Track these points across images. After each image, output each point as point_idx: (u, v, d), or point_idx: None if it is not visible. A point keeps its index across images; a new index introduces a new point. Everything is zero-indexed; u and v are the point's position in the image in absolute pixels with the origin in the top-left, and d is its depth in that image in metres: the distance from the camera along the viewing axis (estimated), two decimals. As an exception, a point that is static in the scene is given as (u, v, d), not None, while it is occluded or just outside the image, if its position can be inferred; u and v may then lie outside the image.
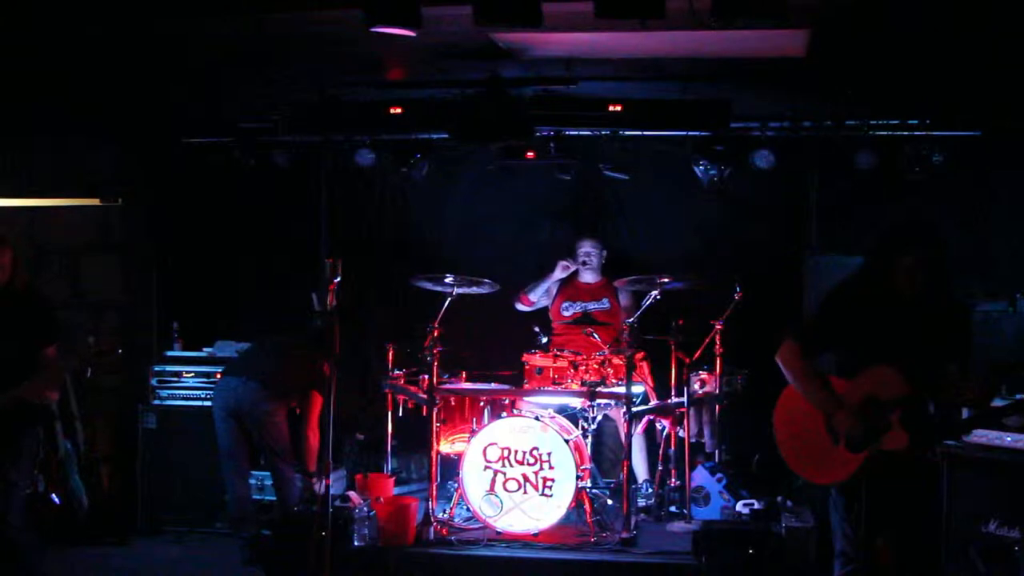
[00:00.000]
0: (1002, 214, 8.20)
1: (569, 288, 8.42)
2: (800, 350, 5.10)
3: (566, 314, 8.28)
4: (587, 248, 8.34)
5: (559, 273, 8.35)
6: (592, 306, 8.20)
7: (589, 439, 7.40)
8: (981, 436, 6.07)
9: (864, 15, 6.18)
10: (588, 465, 7.23)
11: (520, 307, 8.41)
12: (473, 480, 7.18)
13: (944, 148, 8.22)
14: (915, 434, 4.90)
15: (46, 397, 6.02)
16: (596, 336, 7.73)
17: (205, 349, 8.42)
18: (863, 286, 5.11)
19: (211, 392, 8.28)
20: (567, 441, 7.09)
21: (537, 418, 7.21)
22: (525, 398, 7.58)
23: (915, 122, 8.34)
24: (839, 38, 6.61)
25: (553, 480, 7.06)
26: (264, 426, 7.52)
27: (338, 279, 5.39)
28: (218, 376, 8.05)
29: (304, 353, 7.42)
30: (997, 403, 5.42)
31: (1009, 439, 6.00)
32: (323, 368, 6.34)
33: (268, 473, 7.91)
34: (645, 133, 8.55)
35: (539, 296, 8.42)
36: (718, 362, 7.79)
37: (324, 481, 5.67)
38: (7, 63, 7.11)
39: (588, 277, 8.38)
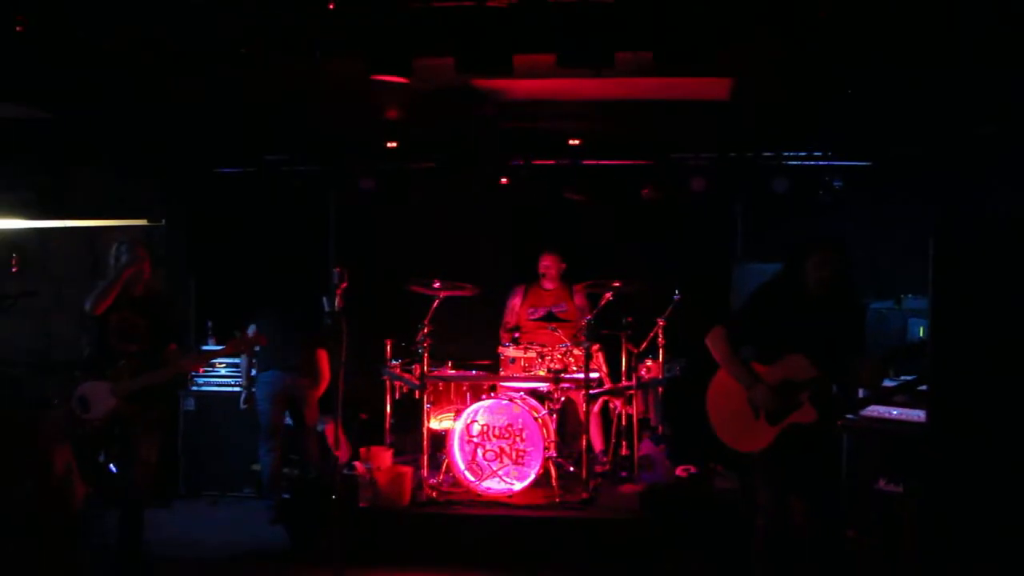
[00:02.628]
0: (889, 229, 8.27)
1: (532, 295, 8.41)
2: (725, 333, 5.15)
3: (533, 316, 8.28)
4: (547, 262, 8.32)
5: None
6: (554, 308, 8.20)
7: (554, 417, 7.40)
8: (874, 411, 6.13)
9: (776, 68, 6.25)
10: (553, 439, 7.23)
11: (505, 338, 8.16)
12: (458, 452, 7.18)
13: (843, 175, 8.32)
14: (822, 410, 4.96)
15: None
16: (559, 332, 7.76)
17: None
18: (780, 287, 5.17)
19: (239, 379, 8.30)
20: (536, 419, 7.10)
21: (511, 400, 7.21)
22: (501, 383, 7.59)
23: (819, 153, 8.42)
24: (756, 85, 6.67)
25: (525, 451, 7.07)
26: (309, 406, 7.69)
27: (344, 284, 5.38)
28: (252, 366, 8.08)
29: (319, 345, 7.63)
30: (888, 384, 5.47)
31: (895, 412, 6.07)
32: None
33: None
34: (600, 163, 8.59)
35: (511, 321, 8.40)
36: (661, 352, 7.80)
37: (336, 454, 5.67)
38: (76, 110, 7.16)
39: (549, 284, 8.37)
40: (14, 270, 7.96)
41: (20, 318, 7.67)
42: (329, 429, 7.86)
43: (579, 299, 8.25)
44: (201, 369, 8.36)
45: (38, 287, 7.44)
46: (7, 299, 7.70)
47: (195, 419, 8.55)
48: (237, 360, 8.36)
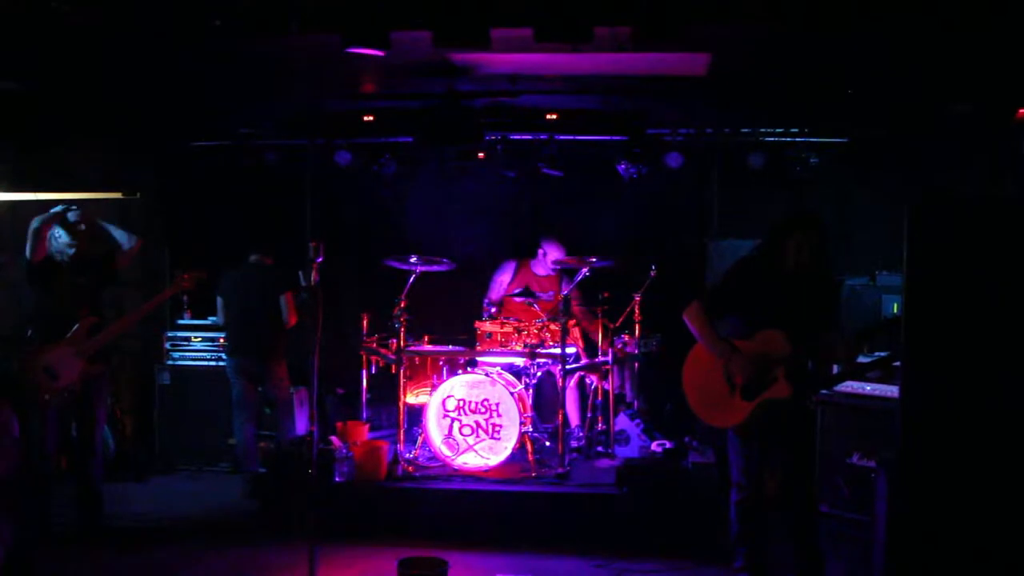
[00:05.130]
0: (864, 206, 8.29)
1: (522, 275, 8.38)
2: (702, 308, 5.16)
3: (515, 294, 8.24)
4: (552, 251, 8.23)
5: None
6: (540, 293, 8.08)
7: (531, 392, 7.40)
8: (848, 387, 6.15)
9: (753, 44, 6.23)
10: (530, 413, 7.23)
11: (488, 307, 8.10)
12: (434, 426, 7.16)
13: (819, 152, 8.32)
14: (797, 386, 4.97)
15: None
16: (536, 307, 7.74)
17: (210, 318, 8.33)
18: (757, 263, 5.17)
19: (215, 353, 8.32)
20: (512, 393, 7.09)
21: (487, 374, 7.20)
22: (478, 358, 7.57)
23: (795, 130, 8.42)
24: (734, 61, 6.64)
25: (501, 426, 7.06)
26: (274, 382, 7.75)
27: (320, 259, 5.34)
28: (222, 341, 8.07)
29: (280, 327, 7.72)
30: (862, 360, 5.50)
31: (869, 388, 6.09)
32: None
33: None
34: (576, 138, 8.56)
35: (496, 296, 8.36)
36: (637, 328, 7.82)
37: (311, 427, 5.64)
38: (51, 86, 7.08)
39: (540, 270, 8.34)
40: (-13, 242, 7.88)
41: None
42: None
43: (566, 286, 8.22)
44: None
45: (10, 260, 7.36)
46: None
47: (171, 393, 8.52)
48: (213, 335, 8.34)
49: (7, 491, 4.95)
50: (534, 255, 8.36)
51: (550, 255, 8.20)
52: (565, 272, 7.81)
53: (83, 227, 6.39)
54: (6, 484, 4.94)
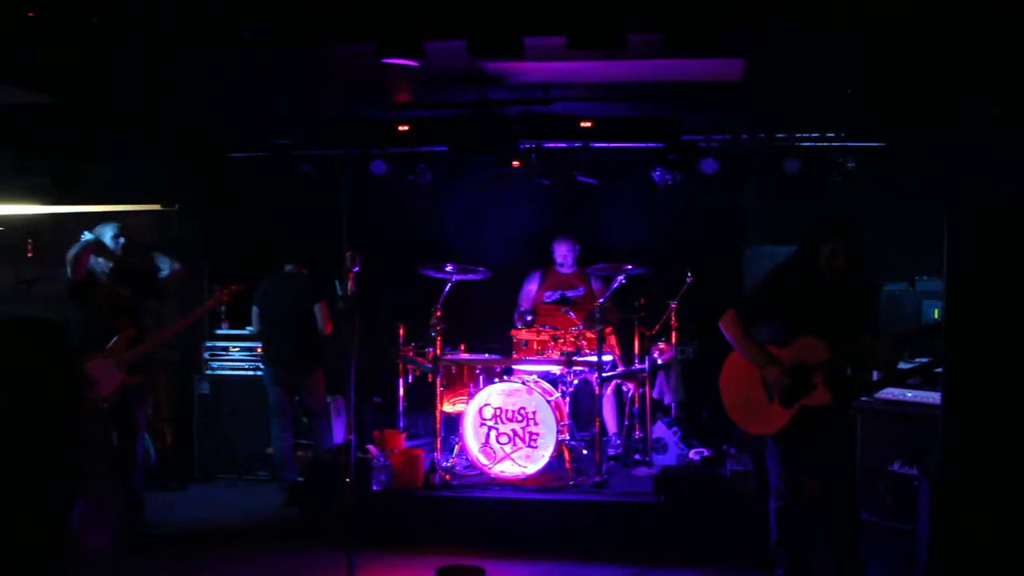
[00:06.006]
0: (903, 210, 8.19)
1: (550, 279, 8.39)
2: (738, 316, 5.12)
3: (548, 300, 8.24)
4: (563, 249, 8.27)
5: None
6: (569, 292, 8.16)
7: (567, 400, 7.37)
8: (888, 393, 6.08)
9: (787, 48, 6.18)
10: (567, 421, 7.20)
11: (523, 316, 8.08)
12: (471, 435, 7.15)
13: (856, 156, 8.23)
14: (836, 392, 4.91)
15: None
16: (572, 314, 7.72)
17: (247, 328, 8.39)
18: (793, 269, 5.12)
19: (253, 363, 8.37)
20: (549, 402, 7.07)
21: (524, 383, 7.18)
22: (514, 366, 7.56)
23: (832, 135, 8.34)
24: (769, 66, 6.59)
25: (538, 434, 7.04)
26: (311, 391, 7.78)
27: (357, 268, 5.35)
28: (259, 351, 8.11)
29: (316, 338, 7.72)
30: (902, 366, 5.42)
31: (910, 395, 6.02)
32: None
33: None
34: (611, 145, 8.52)
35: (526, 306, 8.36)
36: (674, 335, 7.77)
37: (349, 436, 5.65)
38: (89, 100, 7.17)
39: (565, 270, 8.34)
40: (30, 255, 7.98)
41: (37, 302, 7.69)
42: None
43: (595, 283, 8.21)
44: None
45: (52, 272, 7.46)
46: (24, 283, 7.75)
47: (209, 402, 8.57)
48: (251, 345, 8.39)
49: (104, 498, 5.03)
50: (552, 262, 8.34)
51: (561, 253, 8.26)
52: (602, 278, 7.78)
53: (122, 240, 6.46)
54: (104, 492, 5.03)
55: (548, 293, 8.24)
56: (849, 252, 4.90)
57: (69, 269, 6.32)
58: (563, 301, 7.97)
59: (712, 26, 5.22)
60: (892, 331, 5.29)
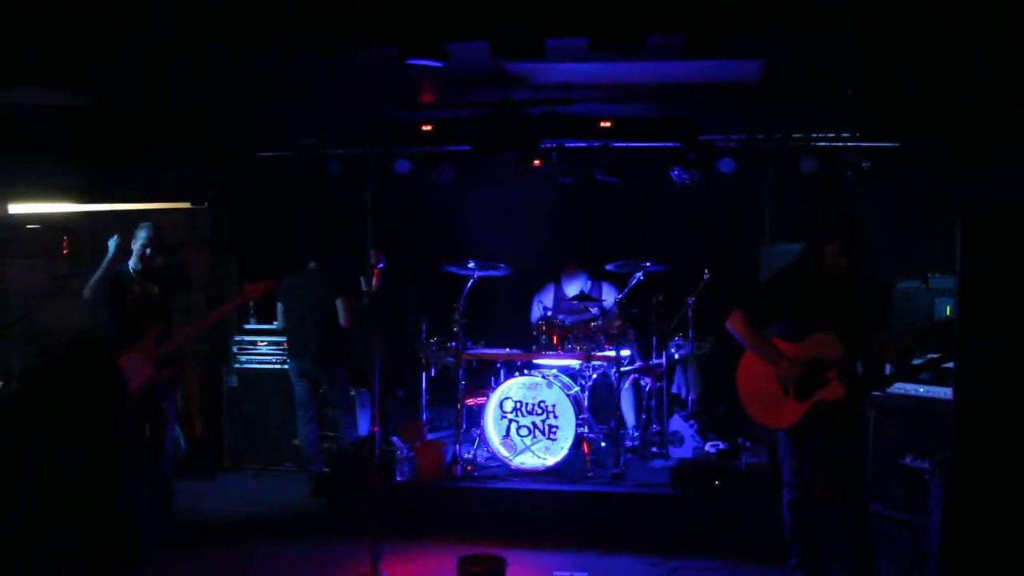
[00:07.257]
0: (916, 209, 8.17)
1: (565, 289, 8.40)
2: (744, 316, 5.16)
3: (566, 299, 8.23)
4: (578, 283, 8.23)
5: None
6: (586, 315, 8.00)
7: (586, 393, 7.41)
8: (900, 388, 6.09)
9: (806, 50, 6.18)
10: (585, 415, 7.25)
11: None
12: (492, 427, 7.21)
13: (870, 156, 8.22)
14: (850, 387, 4.94)
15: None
16: (592, 309, 7.75)
17: (275, 323, 8.46)
18: (798, 269, 5.16)
19: (280, 357, 8.43)
20: (568, 395, 7.12)
21: (544, 376, 7.23)
22: (534, 360, 7.60)
23: (847, 135, 8.33)
24: (787, 67, 6.60)
25: (557, 427, 7.09)
26: (333, 384, 7.90)
27: (381, 265, 5.41)
28: (286, 345, 8.18)
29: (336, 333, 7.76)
30: (915, 361, 5.43)
31: (922, 390, 6.03)
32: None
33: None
34: (630, 145, 8.53)
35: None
36: (691, 330, 7.80)
37: (374, 428, 5.72)
38: (121, 101, 7.25)
39: (569, 291, 8.32)
40: (65, 251, 8.09)
41: (72, 298, 7.79)
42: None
43: (607, 291, 8.22)
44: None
45: (87, 269, 7.56)
46: (59, 279, 7.86)
47: (238, 395, 8.66)
48: (278, 339, 8.47)
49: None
50: (559, 280, 8.37)
51: (575, 284, 8.23)
52: (619, 277, 7.81)
53: (149, 251, 6.52)
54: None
55: (565, 296, 8.24)
56: (852, 251, 4.93)
57: (88, 292, 6.47)
58: (582, 298, 7.98)
59: (732, 27, 5.24)
60: (905, 328, 5.30)
